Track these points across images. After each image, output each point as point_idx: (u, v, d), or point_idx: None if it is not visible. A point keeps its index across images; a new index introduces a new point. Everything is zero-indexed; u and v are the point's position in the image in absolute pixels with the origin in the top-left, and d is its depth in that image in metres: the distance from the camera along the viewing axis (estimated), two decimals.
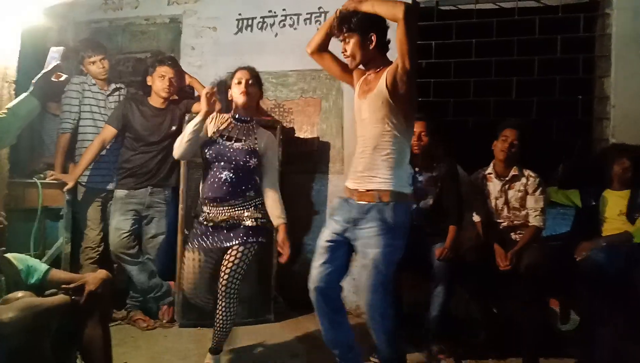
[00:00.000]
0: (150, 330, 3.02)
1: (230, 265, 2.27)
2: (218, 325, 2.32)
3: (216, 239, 2.31)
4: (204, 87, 3.28)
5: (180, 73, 3.18)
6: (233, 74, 2.42)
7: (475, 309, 2.93)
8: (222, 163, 2.31)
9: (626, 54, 3.14)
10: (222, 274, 2.28)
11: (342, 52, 2.07)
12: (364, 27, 1.97)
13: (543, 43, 3.35)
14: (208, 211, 2.33)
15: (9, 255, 1.87)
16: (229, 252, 2.29)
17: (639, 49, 3.11)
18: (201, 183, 2.41)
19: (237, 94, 2.38)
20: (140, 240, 3.14)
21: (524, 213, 2.86)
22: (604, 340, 2.46)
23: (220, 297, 2.29)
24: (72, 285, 1.81)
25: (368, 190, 1.99)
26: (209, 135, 2.37)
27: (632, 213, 2.74)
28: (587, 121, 3.35)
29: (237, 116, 2.42)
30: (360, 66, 2.10)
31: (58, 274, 1.97)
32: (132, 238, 3.05)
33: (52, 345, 1.67)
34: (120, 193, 3.07)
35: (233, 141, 2.35)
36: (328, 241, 2.08)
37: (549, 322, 2.84)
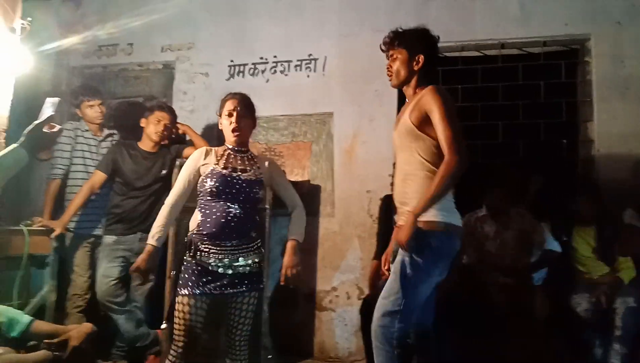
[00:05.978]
0: None
1: (237, 318, 2.09)
2: None
3: (215, 285, 2.00)
4: (196, 133, 3.33)
5: (174, 122, 3.19)
6: (223, 103, 2.17)
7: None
8: (230, 196, 2.04)
9: (607, 99, 3.24)
10: (232, 329, 2.10)
11: (387, 69, 2.05)
12: (413, 46, 1.97)
13: (527, 88, 3.45)
14: (207, 249, 2.01)
15: None
16: (236, 301, 2.08)
17: (618, 93, 3.22)
18: (199, 218, 2.06)
19: (228, 129, 2.12)
20: (128, 287, 3.07)
21: (517, 251, 2.87)
22: None
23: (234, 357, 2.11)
24: (54, 340, 1.76)
25: (401, 225, 1.88)
26: (208, 168, 2.10)
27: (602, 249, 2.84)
28: (573, 161, 3.42)
29: (231, 147, 2.18)
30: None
31: (41, 326, 1.92)
32: (119, 286, 2.98)
33: None
34: (108, 239, 3.03)
35: (239, 172, 2.11)
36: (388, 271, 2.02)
37: None
